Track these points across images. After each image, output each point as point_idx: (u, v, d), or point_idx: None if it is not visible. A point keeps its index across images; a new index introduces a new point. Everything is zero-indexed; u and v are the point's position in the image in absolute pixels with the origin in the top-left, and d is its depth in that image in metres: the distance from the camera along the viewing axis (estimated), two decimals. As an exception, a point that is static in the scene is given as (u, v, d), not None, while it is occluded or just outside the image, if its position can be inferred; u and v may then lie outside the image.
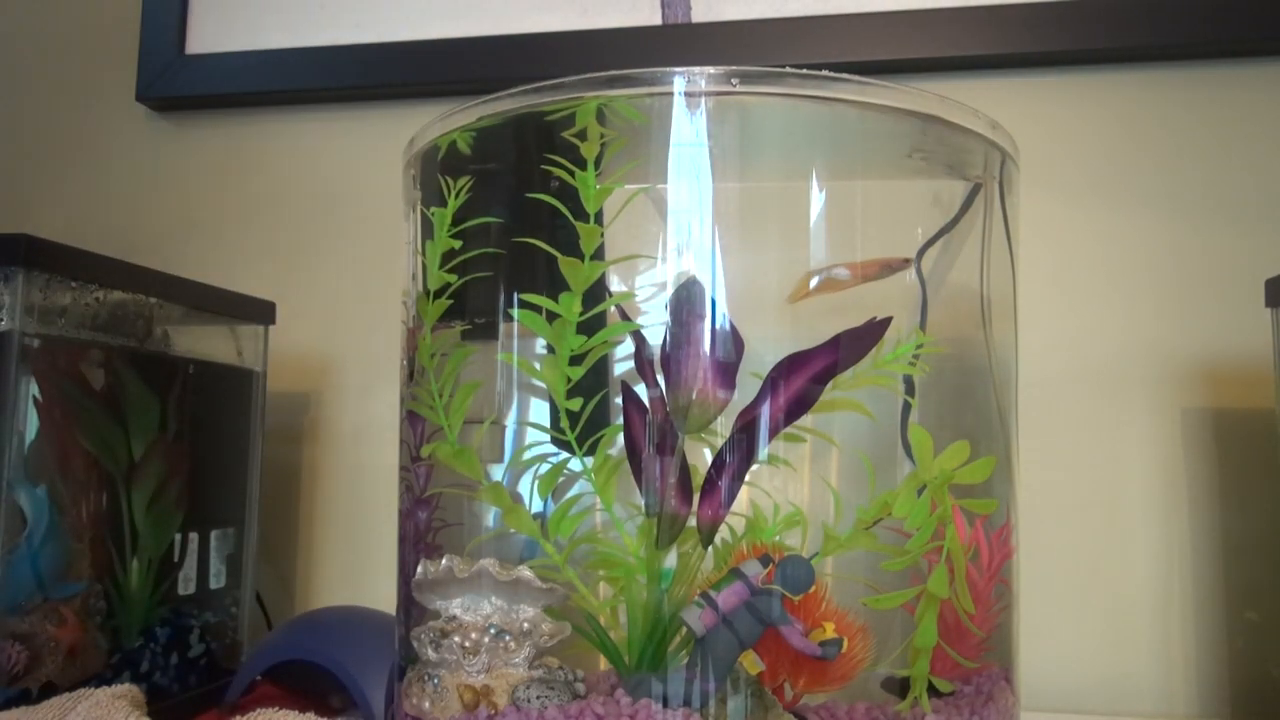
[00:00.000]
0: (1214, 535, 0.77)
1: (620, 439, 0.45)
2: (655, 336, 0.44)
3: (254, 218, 0.94)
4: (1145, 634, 0.77)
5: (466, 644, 0.47)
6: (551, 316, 0.46)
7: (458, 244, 0.49)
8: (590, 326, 0.45)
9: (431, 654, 0.47)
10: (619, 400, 0.45)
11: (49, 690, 0.58)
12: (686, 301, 0.43)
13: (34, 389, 0.59)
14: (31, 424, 0.59)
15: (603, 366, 0.46)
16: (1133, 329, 0.79)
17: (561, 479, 0.47)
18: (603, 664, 0.49)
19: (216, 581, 0.73)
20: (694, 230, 0.44)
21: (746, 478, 0.44)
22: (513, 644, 0.47)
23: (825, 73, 0.45)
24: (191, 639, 0.70)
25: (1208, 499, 0.77)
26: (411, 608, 0.50)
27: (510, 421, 0.49)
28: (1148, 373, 0.79)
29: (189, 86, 0.94)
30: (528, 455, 0.48)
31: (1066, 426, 0.79)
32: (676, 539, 0.44)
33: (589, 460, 0.46)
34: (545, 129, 0.47)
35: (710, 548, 0.44)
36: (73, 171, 0.99)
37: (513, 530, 0.48)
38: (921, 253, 0.49)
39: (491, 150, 0.50)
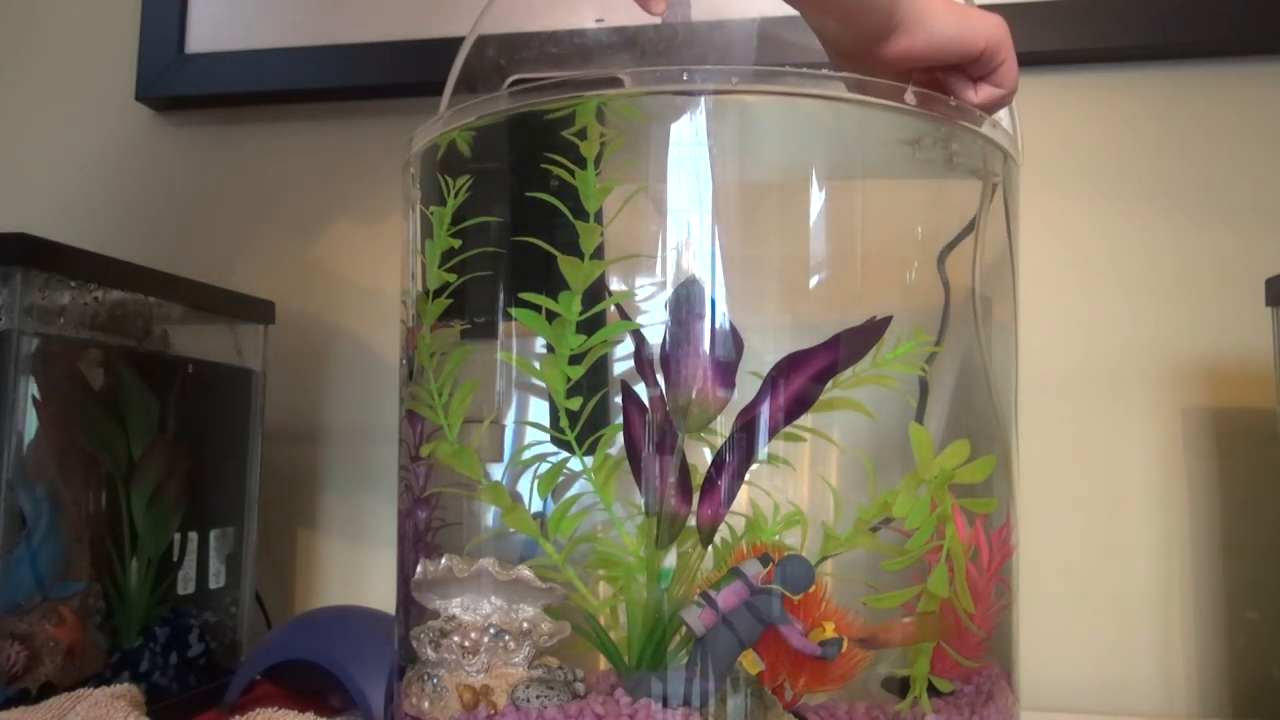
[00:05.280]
0: (1214, 535, 0.77)
1: (620, 438, 0.45)
2: (655, 336, 0.44)
3: (254, 217, 0.94)
4: (1145, 634, 0.77)
5: (466, 644, 0.47)
6: (551, 315, 0.45)
7: (457, 243, 0.49)
8: (590, 326, 0.45)
9: (431, 654, 0.47)
10: (619, 399, 0.45)
11: (48, 690, 0.58)
12: (686, 301, 0.43)
13: (33, 389, 0.59)
14: (31, 424, 0.59)
15: (602, 366, 0.46)
16: (1133, 328, 0.79)
17: (561, 478, 0.47)
18: (602, 664, 0.49)
19: (216, 581, 0.73)
20: (694, 229, 0.44)
21: (746, 477, 0.44)
22: (512, 644, 0.47)
23: (825, 72, 0.45)
24: (191, 639, 0.70)
25: (1208, 499, 0.77)
26: (411, 607, 0.50)
27: (510, 421, 0.49)
28: (1148, 372, 0.79)
29: (188, 86, 0.94)
30: (527, 455, 0.47)
31: (1066, 426, 0.79)
32: (676, 538, 0.44)
33: (589, 460, 0.46)
34: (545, 128, 0.46)
35: (710, 547, 0.44)
36: (73, 171, 0.99)
37: (512, 530, 0.48)
38: (944, 255, 0.49)
39: (491, 149, 0.50)
